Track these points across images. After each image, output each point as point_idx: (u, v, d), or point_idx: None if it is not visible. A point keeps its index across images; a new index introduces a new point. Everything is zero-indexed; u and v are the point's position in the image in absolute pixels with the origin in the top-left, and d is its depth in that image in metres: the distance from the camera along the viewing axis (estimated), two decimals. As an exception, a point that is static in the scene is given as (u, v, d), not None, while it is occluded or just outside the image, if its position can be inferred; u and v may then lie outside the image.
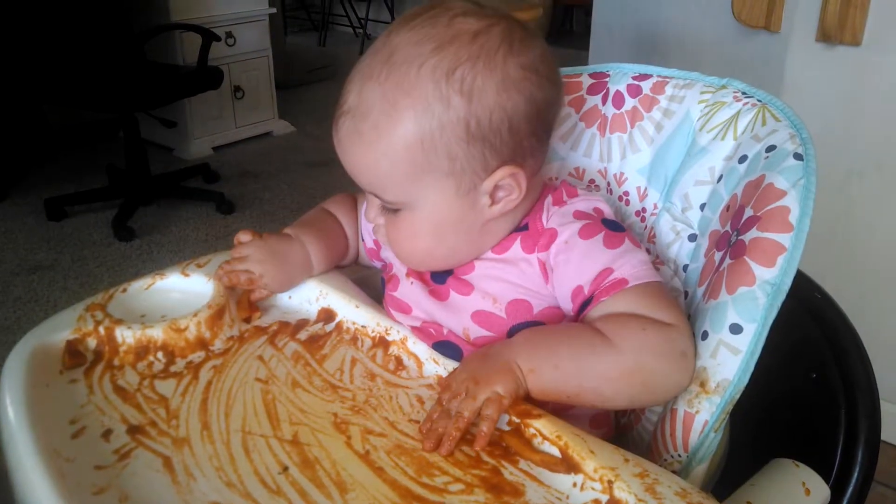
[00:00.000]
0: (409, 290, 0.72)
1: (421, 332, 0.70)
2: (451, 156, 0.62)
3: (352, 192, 0.84)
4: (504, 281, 0.68)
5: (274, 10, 3.52)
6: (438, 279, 0.71)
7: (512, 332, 0.66)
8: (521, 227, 0.69)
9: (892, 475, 1.57)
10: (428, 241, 0.67)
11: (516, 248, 0.68)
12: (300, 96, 4.27)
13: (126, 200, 2.64)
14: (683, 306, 0.69)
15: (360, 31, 5.75)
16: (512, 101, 0.62)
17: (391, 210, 0.66)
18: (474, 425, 0.57)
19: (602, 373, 0.59)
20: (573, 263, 0.65)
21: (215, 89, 2.77)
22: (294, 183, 3.05)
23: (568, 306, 0.65)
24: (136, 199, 2.69)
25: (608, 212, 0.69)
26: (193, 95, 2.85)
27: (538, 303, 0.67)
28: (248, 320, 0.73)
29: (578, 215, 0.67)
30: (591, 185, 0.80)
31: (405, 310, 0.72)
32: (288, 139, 3.63)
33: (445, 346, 0.68)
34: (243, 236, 0.75)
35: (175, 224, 2.68)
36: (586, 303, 0.63)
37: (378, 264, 0.83)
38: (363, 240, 0.81)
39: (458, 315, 0.68)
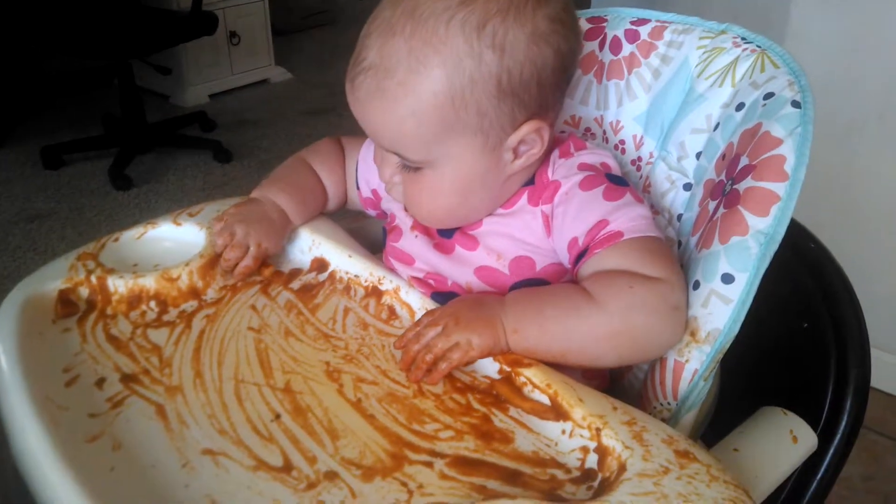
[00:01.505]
0: (412, 243, 0.72)
1: (422, 282, 0.70)
2: (480, 112, 0.60)
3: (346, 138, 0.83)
4: (509, 237, 0.67)
5: (270, -47, 3.44)
6: (445, 233, 0.70)
7: (513, 289, 0.66)
8: (527, 182, 0.68)
9: (884, 423, 1.59)
10: (452, 198, 0.66)
11: (523, 202, 0.68)
12: (298, 42, 4.20)
13: (122, 149, 2.62)
14: (676, 256, 0.68)
15: (359, -26, 5.62)
16: (542, 55, 0.60)
17: (411, 168, 0.65)
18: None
19: (587, 334, 0.58)
20: (570, 214, 0.64)
21: (210, 35, 2.72)
22: (292, 131, 3.03)
23: (566, 258, 0.65)
24: (133, 147, 2.67)
25: (615, 167, 0.69)
26: (187, 42, 2.79)
27: (541, 259, 0.67)
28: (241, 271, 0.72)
29: (583, 167, 0.67)
30: (587, 134, 0.79)
31: (408, 261, 0.71)
32: (286, 86, 3.58)
33: (448, 297, 0.68)
34: (215, 225, 0.73)
35: (172, 173, 2.67)
36: (581, 255, 0.62)
37: (372, 213, 0.83)
38: (359, 188, 0.80)
39: (463, 269, 0.68)
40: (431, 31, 0.58)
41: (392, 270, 0.72)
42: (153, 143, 2.79)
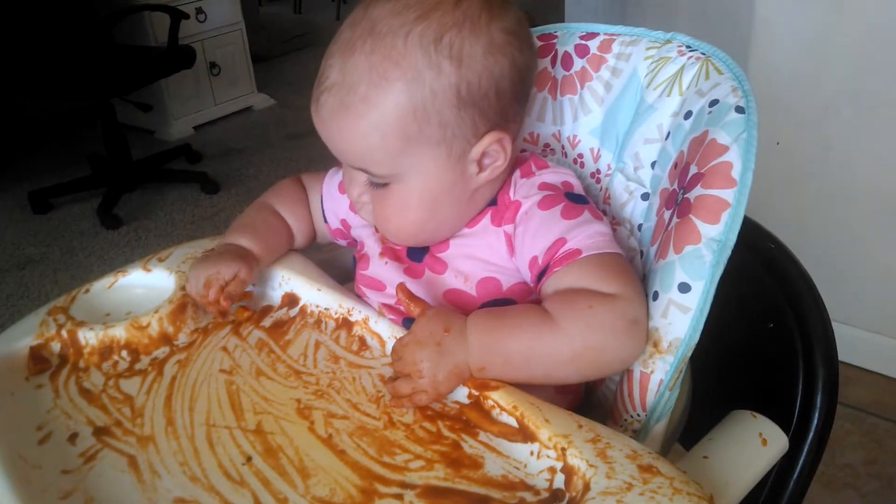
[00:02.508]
0: (382, 270, 0.72)
1: (393, 309, 0.70)
2: (442, 123, 0.61)
3: (326, 165, 0.83)
4: (475, 259, 0.68)
5: (243, -18, 3.46)
6: (415, 257, 0.71)
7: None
8: (490, 202, 0.69)
9: (883, 405, 1.59)
10: (420, 212, 0.66)
11: (486, 223, 0.68)
12: (279, 67, 4.23)
13: (110, 188, 2.64)
14: (639, 265, 0.69)
15: (336, -6, 5.65)
16: (499, 65, 0.62)
17: (378, 185, 0.66)
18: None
19: (550, 360, 0.59)
20: (530, 234, 0.65)
21: (189, 68, 2.74)
22: (277, 157, 3.04)
23: (528, 277, 0.66)
24: (120, 185, 2.69)
25: (577, 185, 0.69)
26: (167, 77, 2.81)
27: (506, 279, 0.68)
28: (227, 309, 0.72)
29: (543, 186, 0.67)
30: (547, 150, 0.80)
31: (378, 287, 0.72)
32: (269, 112, 3.60)
33: None
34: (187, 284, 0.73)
35: (161, 208, 2.68)
36: (542, 273, 0.63)
37: (343, 242, 0.83)
38: (327, 221, 0.81)
39: (432, 293, 0.69)
40: (390, 46, 0.60)
41: (363, 299, 0.73)
42: (140, 179, 2.81)
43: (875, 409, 1.60)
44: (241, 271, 0.71)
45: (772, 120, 1.48)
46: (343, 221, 0.80)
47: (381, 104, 0.60)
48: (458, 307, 0.68)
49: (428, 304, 0.63)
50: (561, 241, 0.62)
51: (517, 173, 0.69)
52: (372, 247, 0.74)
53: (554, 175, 0.69)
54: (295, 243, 0.81)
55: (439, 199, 0.66)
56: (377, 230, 0.73)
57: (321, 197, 0.81)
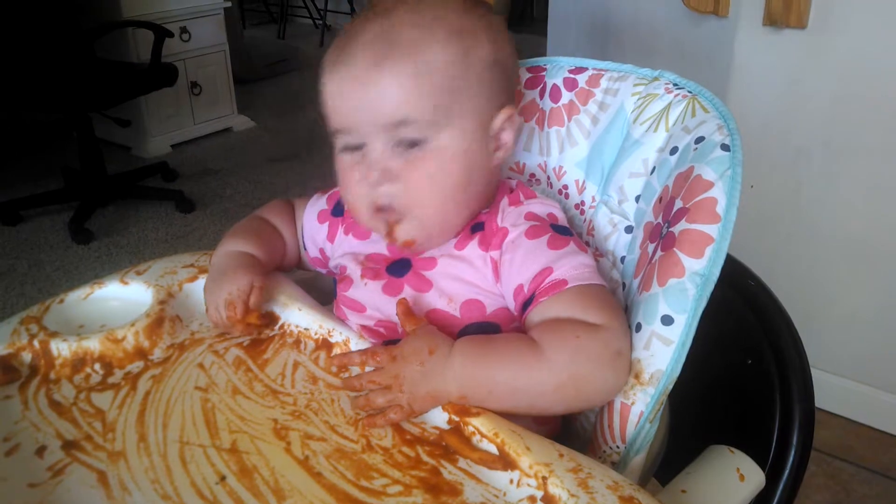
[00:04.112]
0: (362, 291, 0.71)
1: (372, 331, 0.70)
2: (480, 80, 0.65)
3: (304, 189, 0.83)
4: (460, 280, 0.68)
5: (229, 4, 3.47)
6: (396, 272, 0.70)
7: (464, 332, 0.66)
8: (478, 226, 0.69)
9: (849, 450, 1.61)
10: (456, 177, 0.65)
11: (473, 246, 0.69)
12: (260, 91, 4.23)
13: (83, 202, 2.60)
14: (622, 297, 0.69)
15: (320, 22, 5.70)
16: (509, 46, 0.69)
17: (410, 146, 0.63)
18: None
19: (536, 389, 0.58)
20: (517, 262, 0.65)
21: (170, 86, 2.73)
22: (255, 179, 3.03)
23: (513, 305, 0.66)
24: (93, 200, 2.65)
25: (562, 218, 0.70)
26: (147, 94, 2.80)
27: (491, 302, 0.67)
28: (257, 324, 0.71)
29: (530, 216, 0.68)
30: (532, 179, 0.81)
31: (359, 309, 0.71)
32: (248, 134, 3.59)
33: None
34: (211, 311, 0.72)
35: (134, 224, 2.64)
36: (527, 302, 0.63)
37: (323, 271, 0.83)
38: (305, 248, 0.81)
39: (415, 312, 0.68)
40: (431, 6, 0.64)
41: (343, 320, 0.72)
42: (114, 195, 2.77)
43: (840, 453, 1.61)
44: (256, 279, 0.70)
45: (745, 163, 1.50)
46: (321, 251, 0.80)
47: (431, 47, 0.63)
48: (440, 328, 0.67)
49: (424, 323, 0.63)
50: (547, 271, 0.63)
51: (505, 200, 0.70)
52: (353, 269, 0.73)
53: (541, 206, 0.70)
54: (285, 259, 0.80)
55: (474, 165, 0.66)
56: (374, 256, 0.72)
57: (302, 224, 0.81)
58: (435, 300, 0.68)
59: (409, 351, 0.60)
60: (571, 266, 0.63)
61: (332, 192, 0.80)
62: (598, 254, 0.74)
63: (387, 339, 0.69)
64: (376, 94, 0.63)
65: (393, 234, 0.67)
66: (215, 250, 0.77)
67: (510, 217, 0.68)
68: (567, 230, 0.68)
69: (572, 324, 0.59)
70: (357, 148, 0.66)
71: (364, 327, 0.70)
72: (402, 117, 0.63)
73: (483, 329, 0.67)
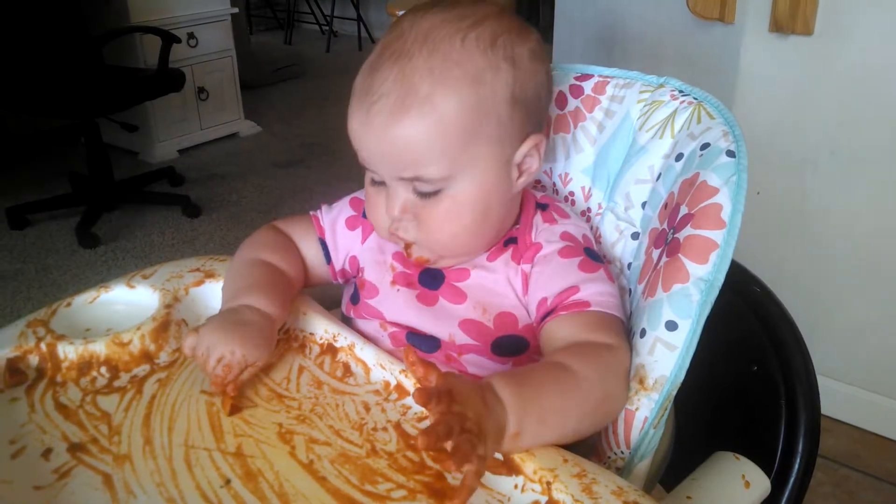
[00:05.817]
0: (392, 298, 0.71)
1: (380, 340, 0.71)
2: (499, 121, 0.63)
3: (310, 195, 0.81)
4: (494, 292, 0.69)
5: (236, 10, 3.49)
6: (429, 284, 0.70)
7: (496, 343, 0.68)
8: (511, 240, 0.70)
9: (856, 457, 1.60)
10: (475, 214, 0.65)
11: (506, 259, 0.69)
12: (266, 96, 4.24)
13: (90, 207, 2.61)
14: (628, 304, 0.69)
15: (327, 28, 5.72)
16: (539, 71, 0.67)
17: (427, 195, 0.64)
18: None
19: (580, 410, 0.57)
20: (546, 276, 0.66)
21: (177, 92, 2.74)
22: (261, 184, 3.04)
23: (534, 316, 0.67)
24: (100, 205, 2.66)
25: (593, 241, 0.72)
26: (154, 99, 2.81)
27: (521, 315, 0.68)
28: (229, 396, 0.63)
29: (565, 237, 0.69)
30: (538, 186, 0.81)
31: (378, 316, 0.71)
32: (255, 140, 3.60)
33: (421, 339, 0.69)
34: (189, 340, 0.64)
35: (140, 229, 2.65)
36: (547, 314, 0.64)
37: (342, 282, 0.80)
38: (331, 262, 0.77)
39: (446, 321, 0.69)
40: (448, 49, 0.62)
41: (349, 326, 0.72)
42: (121, 199, 2.78)
43: (847, 461, 1.60)
44: (262, 359, 0.65)
45: (752, 170, 1.50)
46: (352, 259, 0.77)
47: (445, 102, 0.61)
48: (472, 338, 0.68)
49: (447, 371, 0.53)
50: (574, 290, 0.64)
51: (538, 217, 0.71)
52: (380, 276, 0.73)
53: (575, 227, 0.71)
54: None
55: (491, 201, 0.66)
56: (402, 255, 0.70)
57: (318, 240, 0.77)
58: (469, 311, 0.68)
59: (468, 389, 0.51)
60: (597, 292, 0.64)
61: (351, 197, 0.78)
62: (607, 260, 0.74)
63: (395, 347, 0.69)
64: (392, 150, 0.63)
65: (409, 250, 0.69)
66: (227, 300, 0.70)
67: (544, 234, 0.69)
68: (599, 257, 0.69)
69: (591, 345, 0.60)
70: (381, 182, 0.66)
71: (375, 336, 0.71)
72: (416, 175, 0.63)
73: (514, 342, 0.68)
